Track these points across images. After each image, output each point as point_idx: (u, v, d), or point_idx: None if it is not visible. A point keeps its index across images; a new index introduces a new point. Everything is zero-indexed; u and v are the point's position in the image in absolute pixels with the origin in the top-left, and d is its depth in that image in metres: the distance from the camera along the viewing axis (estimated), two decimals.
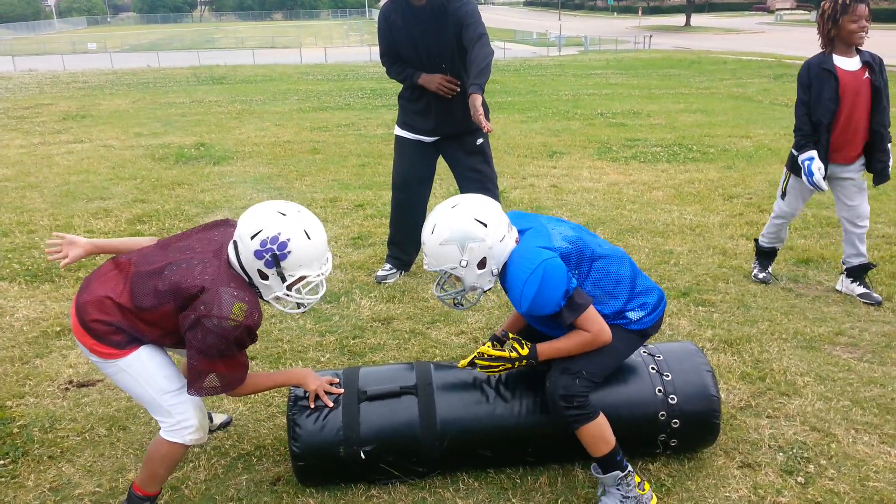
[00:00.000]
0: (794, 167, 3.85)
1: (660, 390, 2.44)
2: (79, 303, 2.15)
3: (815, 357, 3.30)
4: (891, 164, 3.73)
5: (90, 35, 55.32)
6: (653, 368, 2.50)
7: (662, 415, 2.42)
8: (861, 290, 3.93)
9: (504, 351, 2.31)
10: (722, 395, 2.97)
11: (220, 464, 2.60)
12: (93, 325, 2.10)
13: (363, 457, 2.34)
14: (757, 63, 21.98)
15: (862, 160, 3.77)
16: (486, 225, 2.17)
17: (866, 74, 3.63)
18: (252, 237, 2.04)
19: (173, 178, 7.31)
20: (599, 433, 2.25)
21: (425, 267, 2.28)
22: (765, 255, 4.25)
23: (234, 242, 2.12)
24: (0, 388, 3.16)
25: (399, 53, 4.01)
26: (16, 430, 2.82)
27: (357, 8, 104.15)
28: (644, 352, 2.58)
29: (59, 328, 3.76)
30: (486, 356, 2.32)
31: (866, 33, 3.59)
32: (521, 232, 2.33)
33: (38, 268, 4.67)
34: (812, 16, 55.25)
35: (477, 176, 4.17)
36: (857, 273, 3.93)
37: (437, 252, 2.20)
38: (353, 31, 57.24)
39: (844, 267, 3.99)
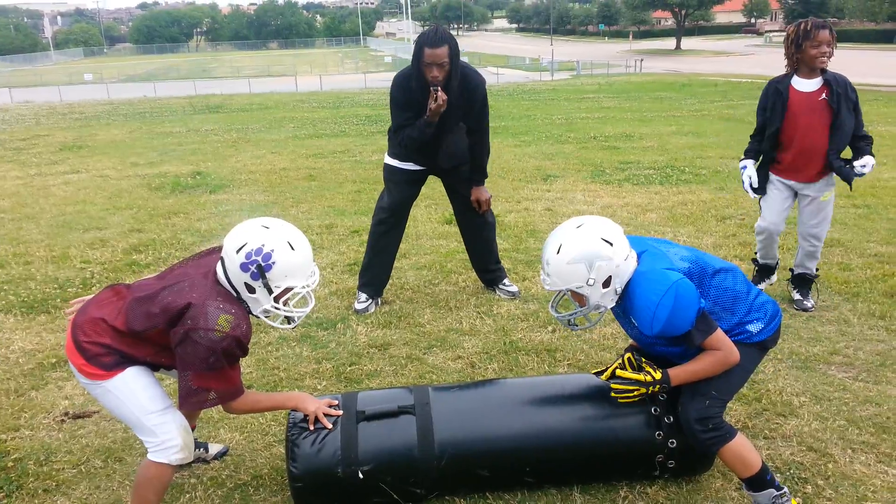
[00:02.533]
0: (759, 187, 4.05)
1: (655, 410, 2.45)
2: (75, 323, 2.20)
3: (811, 377, 3.31)
4: (861, 168, 3.74)
5: (87, 66, 55.74)
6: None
7: (659, 434, 2.43)
8: (797, 296, 4.17)
9: (640, 374, 2.34)
10: None
11: (216, 494, 2.59)
12: (85, 345, 2.15)
13: (361, 476, 2.34)
14: (747, 85, 22.25)
15: (827, 179, 3.88)
16: (612, 244, 2.22)
17: (823, 95, 3.72)
18: (237, 251, 2.11)
19: (170, 207, 7.34)
20: (740, 453, 2.28)
21: (546, 287, 2.31)
22: (760, 272, 4.32)
23: (222, 259, 2.18)
24: None
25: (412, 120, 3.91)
26: (10, 464, 2.81)
27: (352, 36, 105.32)
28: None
29: (54, 360, 3.75)
30: (621, 377, 2.38)
31: (829, 57, 3.72)
32: (637, 254, 2.36)
33: (34, 299, 4.67)
34: None
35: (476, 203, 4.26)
36: (799, 282, 4.17)
37: (563, 271, 2.22)
38: (347, 59, 57.80)
39: (792, 273, 4.21)
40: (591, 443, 2.44)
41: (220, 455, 2.82)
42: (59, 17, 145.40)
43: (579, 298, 2.31)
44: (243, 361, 3.67)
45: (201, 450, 2.77)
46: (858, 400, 3.08)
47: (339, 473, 2.33)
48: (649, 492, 2.52)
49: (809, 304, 4.11)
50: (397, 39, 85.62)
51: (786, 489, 2.32)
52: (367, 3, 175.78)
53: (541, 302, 4.35)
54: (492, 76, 27.94)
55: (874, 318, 3.97)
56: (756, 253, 4.29)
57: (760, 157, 4.07)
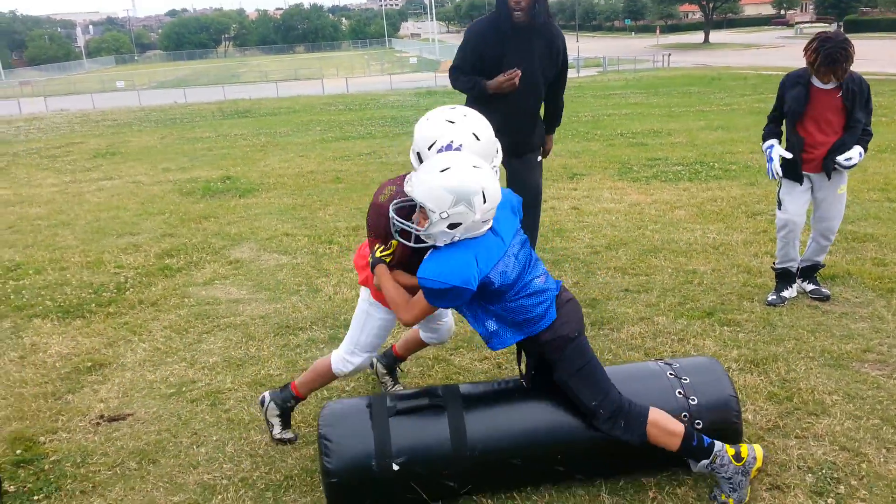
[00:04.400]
0: (784, 173, 4.02)
1: (680, 392, 2.54)
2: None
3: (843, 375, 3.25)
4: (846, 161, 3.81)
5: (119, 74, 56.85)
6: (671, 374, 2.63)
7: (685, 415, 2.49)
8: (811, 286, 4.22)
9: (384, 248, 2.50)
10: (749, 416, 2.95)
11: (247, 495, 2.63)
12: None
13: (396, 469, 2.35)
14: (778, 77, 21.79)
15: (841, 172, 3.92)
16: (485, 201, 2.24)
17: (839, 94, 3.79)
18: (429, 148, 2.40)
19: (200, 211, 7.46)
20: (662, 430, 2.38)
21: (406, 188, 2.31)
22: (780, 278, 4.22)
23: (417, 153, 2.49)
24: (34, 423, 3.24)
25: (478, 69, 3.94)
26: (48, 466, 2.89)
27: (377, 38, 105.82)
28: (661, 362, 2.74)
29: (90, 363, 3.85)
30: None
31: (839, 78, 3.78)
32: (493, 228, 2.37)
33: (70, 304, 4.79)
34: (832, 28, 54.81)
35: (535, 191, 4.29)
36: (808, 273, 4.24)
37: (432, 189, 2.22)
38: (373, 61, 58.09)
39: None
40: None
41: (289, 441, 2.96)
42: (91, 26, 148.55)
43: (423, 219, 2.30)
44: (273, 362, 3.72)
45: None
46: (893, 398, 3.01)
47: (373, 466, 2.36)
48: (678, 492, 2.50)
49: (827, 291, 4.17)
50: (422, 40, 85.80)
51: (717, 447, 2.39)
52: (391, 5, 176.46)
53: None
54: None
55: None
56: (775, 260, 4.25)
57: (782, 138, 4.08)
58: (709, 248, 5.24)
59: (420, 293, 2.33)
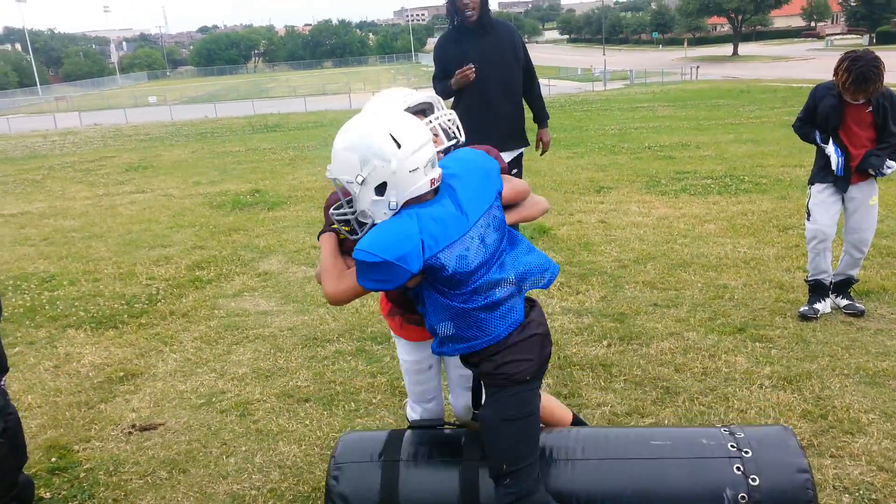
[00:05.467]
0: (813, 180, 4.04)
1: (738, 468, 2.07)
2: None
3: (880, 393, 3.17)
4: (887, 169, 3.82)
5: (151, 89, 58.08)
6: (732, 446, 2.13)
7: (743, 497, 2.03)
8: (844, 301, 4.15)
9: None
10: None
11: None
12: None
13: None
14: (808, 90, 21.55)
15: (870, 181, 3.93)
16: (399, 146, 1.83)
17: (869, 109, 3.81)
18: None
19: (230, 224, 7.57)
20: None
21: (326, 174, 1.97)
22: (813, 291, 4.15)
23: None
24: (68, 432, 3.30)
25: (449, 73, 4.30)
26: (83, 474, 2.93)
27: (404, 52, 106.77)
28: (724, 428, 2.23)
29: (122, 373, 3.91)
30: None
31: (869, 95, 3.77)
32: (449, 181, 1.96)
33: (103, 315, 4.88)
34: (864, 40, 54.01)
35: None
36: (841, 287, 4.17)
37: (337, 157, 1.90)
38: (400, 75, 58.58)
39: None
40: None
41: None
42: (124, 43, 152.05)
43: (348, 196, 1.97)
44: (301, 374, 3.75)
45: None
46: None
47: None
48: None
49: (861, 306, 4.09)
50: None
51: None
52: (418, 20, 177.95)
53: (595, 316, 4.30)
54: (544, 88, 27.84)
55: None
56: (807, 273, 4.19)
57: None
58: (739, 262, 5.17)
59: (355, 272, 1.95)
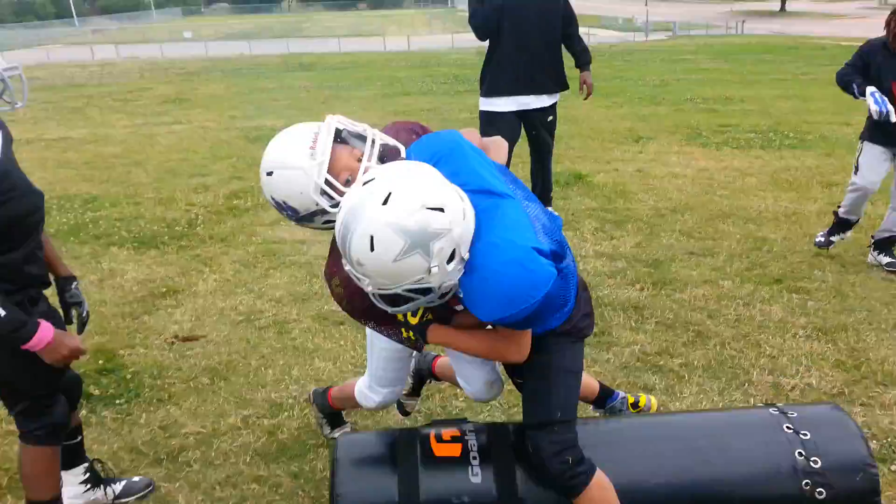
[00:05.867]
0: (865, 136, 3.97)
1: (800, 453, 1.96)
2: None
3: None
4: None
5: (186, 25, 57.77)
6: (788, 427, 2.02)
7: (807, 483, 1.93)
8: (887, 259, 4.09)
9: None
10: (814, 382, 2.90)
11: (312, 415, 2.74)
12: None
13: None
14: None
15: None
16: (443, 210, 1.55)
17: None
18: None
19: None
20: (603, 495, 1.83)
21: (369, 290, 1.64)
22: (838, 226, 4.19)
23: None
24: (114, 339, 3.43)
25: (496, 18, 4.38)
26: (129, 376, 3.07)
27: None
28: (773, 409, 2.12)
29: (164, 289, 4.03)
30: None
31: None
32: (455, 180, 1.68)
33: (145, 236, 5.00)
34: None
35: (550, 143, 4.81)
36: (883, 245, 4.12)
37: (390, 271, 1.56)
38: (435, 20, 57.46)
39: (873, 240, 4.15)
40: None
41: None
42: None
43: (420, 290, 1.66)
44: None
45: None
46: None
47: None
48: None
49: None
50: None
51: None
52: None
53: (629, 261, 4.30)
54: (583, 36, 27.20)
55: None
56: (839, 207, 4.19)
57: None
58: (780, 216, 5.09)
59: (506, 330, 1.75)
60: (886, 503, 2.22)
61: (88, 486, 2.30)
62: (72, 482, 2.26)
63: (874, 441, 2.52)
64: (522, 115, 4.63)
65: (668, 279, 4.01)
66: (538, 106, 4.62)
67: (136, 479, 2.40)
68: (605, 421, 2.30)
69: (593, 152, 7.34)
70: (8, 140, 1.86)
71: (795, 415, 2.05)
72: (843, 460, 1.96)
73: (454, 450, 1.95)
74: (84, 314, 2.13)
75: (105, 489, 2.32)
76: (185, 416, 2.79)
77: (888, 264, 4.06)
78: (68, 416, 2.08)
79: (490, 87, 4.60)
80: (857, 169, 4.01)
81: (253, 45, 29.88)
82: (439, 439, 1.97)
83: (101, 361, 3.16)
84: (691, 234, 4.74)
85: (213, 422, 2.73)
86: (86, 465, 2.30)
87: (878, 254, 4.13)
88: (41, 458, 2.03)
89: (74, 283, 2.15)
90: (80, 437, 2.28)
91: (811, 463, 1.94)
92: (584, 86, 4.77)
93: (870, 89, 3.76)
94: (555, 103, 4.72)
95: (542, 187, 4.93)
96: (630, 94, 12.13)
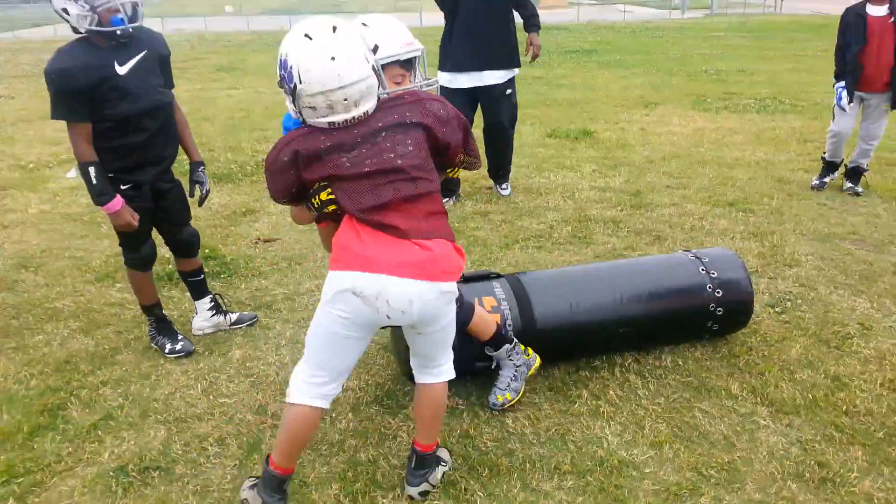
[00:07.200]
0: (839, 78, 4.87)
1: (710, 287, 2.90)
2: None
3: (825, 246, 4.09)
4: None
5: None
6: (702, 269, 2.94)
7: (709, 286, 2.90)
8: (849, 184, 5.05)
9: None
10: None
11: None
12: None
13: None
14: None
15: (890, 92, 4.60)
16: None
17: (892, 19, 4.49)
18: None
19: None
20: (483, 319, 2.55)
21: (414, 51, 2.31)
22: (827, 168, 5.13)
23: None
24: (210, 241, 4.51)
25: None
26: (229, 260, 4.16)
27: None
28: (692, 256, 3.03)
29: (244, 210, 5.11)
30: None
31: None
32: None
33: (221, 173, 6.09)
34: None
35: (511, 115, 5.01)
36: (851, 174, 5.04)
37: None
38: None
39: (846, 168, 5.08)
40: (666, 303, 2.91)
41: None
42: None
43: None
44: None
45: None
46: (856, 260, 3.86)
47: None
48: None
49: (860, 190, 5.03)
50: None
51: (516, 341, 2.66)
52: None
53: (616, 192, 5.25)
54: (618, 13, 27.66)
55: None
56: (825, 153, 5.11)
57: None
58: (752, 163, 5.99)
59: None
60: (766, 339, 3.19)
61: (213, 312, 3.37)
62: (202, 308, 3.34)
63: (767, 295, 3.48)
64: (477, 91, 4.82)
65: (644, 204, 4.97)
66: (494, 82, 4.79)
67: (245, 313, 3.48)
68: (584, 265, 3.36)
69: (604, 115, 8.24)
70: (152, 57, 2.85)
71: (707, 259, 3.02)
72: (733, 284, 2.95)
73: None
74: (204, 192, 3.19)
75: (225, 316, 3.40)
76: (272, 285, 3.86)
77: (848, 188, 5.03)
78: (153, 253, 3.08)
79: (443, 61, 4.86)
80: (834, 116, 4.93)
81: (293, 19, 30.85)
82: None
83: (205, 251, 4.25)
84: (672, 175, 5.67)
85: (294, 289, 3.80)
86: (210, 296, 3.37)
87: (846, 179, 5.08)
88: (134, 278, 3.11)
89: (201, 167, 3.20)
90: (202, 276, 3.34)
91: (710, 275, 2.93)
92: (531, 47, 4.98)
93: (839, 85, 4.76)
94: (512, 78, 4.89)
95: (496, 164, 5.18)
96: (649, 66, 12.89)
